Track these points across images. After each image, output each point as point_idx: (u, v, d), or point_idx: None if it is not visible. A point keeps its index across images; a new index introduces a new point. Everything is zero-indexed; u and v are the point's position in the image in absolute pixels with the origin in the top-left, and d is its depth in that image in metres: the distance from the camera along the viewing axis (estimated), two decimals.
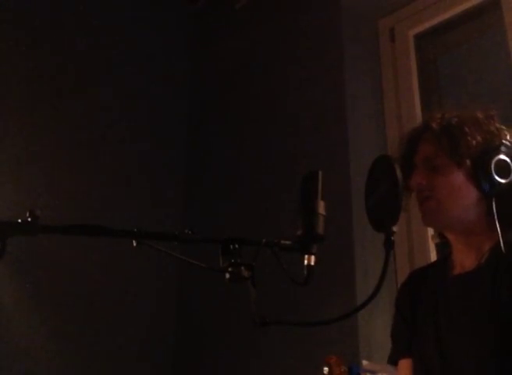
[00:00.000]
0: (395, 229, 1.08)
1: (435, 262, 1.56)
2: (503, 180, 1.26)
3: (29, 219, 0.89)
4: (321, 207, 1.04)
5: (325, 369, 1.27)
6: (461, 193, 1.31)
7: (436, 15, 2.45)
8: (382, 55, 2.58)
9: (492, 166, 1.26)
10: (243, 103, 2.94)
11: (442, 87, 2.47)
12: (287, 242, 1.04)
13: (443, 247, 1.45)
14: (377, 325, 2.01)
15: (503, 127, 1.34)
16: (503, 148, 1.29)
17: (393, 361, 1.42)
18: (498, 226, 1.22)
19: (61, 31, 2.82)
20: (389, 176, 1.11)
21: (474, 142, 1.29)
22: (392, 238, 1.08)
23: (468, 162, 1.29)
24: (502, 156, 1.28)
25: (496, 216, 1.23)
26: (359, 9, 2.60)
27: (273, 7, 2.92)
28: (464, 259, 1.34)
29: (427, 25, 2.50)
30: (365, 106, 2.46)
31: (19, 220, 0.89)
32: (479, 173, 1.28)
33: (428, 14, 2.47)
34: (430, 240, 2.00)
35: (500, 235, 1.20)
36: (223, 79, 3.11)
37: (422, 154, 1.37)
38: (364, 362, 1.41)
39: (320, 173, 1.06)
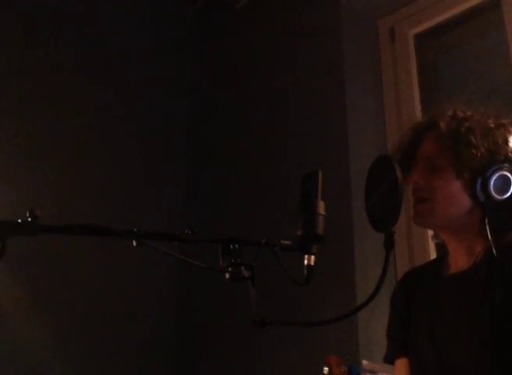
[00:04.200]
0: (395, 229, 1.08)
1: (432, 261, 1.56)
2: (499, 197, 1.26)
3: (29, 219, 0.89)
4: (321, 207, 1.04)
5: (325, 369, 1.27)
6: (456, 201, 1.31)
7: (436, 15, 2.45)
8: (382, 55, 2.58)
9: (492, 182, 1.26)
10: (243, 103, 2.93)
11: (442, 87, 2.47)
12: (287, 242, 1.04)
13: (442, 247, 1.45)
14: (377, 325, 2.00)
15: None
16: (506, 164, 1.27)
17: (389, 359, 1.42)
18: (490, 237, 1.22)
19: (60, 31, 2.81)
20: (389, 176, 1.11)
21: (478, 154, 1.28)
22: (393, 238, 1.08)
23: (467, 174, 1.28)
24: (504, 172, 1.27)
25: (488, 230, 1.23)
26: (359, 9, 2.60)
27: (273, 7, 2.92)
28: (458, 258, 1.34)
29: (427, 25, 2.50)
30: (365, 106, 2.46)
31: (19, 220, 0.89)
32: (477, 186, 1.27)
33: (428, 14, 2.47)
34: (430, 240, 2.00)
35: (492, 244, 1.21)
36: (223, 79, 3.11)
37: (425, 151, 1.37)
38: (364, 362, 1.41)
39: (320, 172, 1.06)
